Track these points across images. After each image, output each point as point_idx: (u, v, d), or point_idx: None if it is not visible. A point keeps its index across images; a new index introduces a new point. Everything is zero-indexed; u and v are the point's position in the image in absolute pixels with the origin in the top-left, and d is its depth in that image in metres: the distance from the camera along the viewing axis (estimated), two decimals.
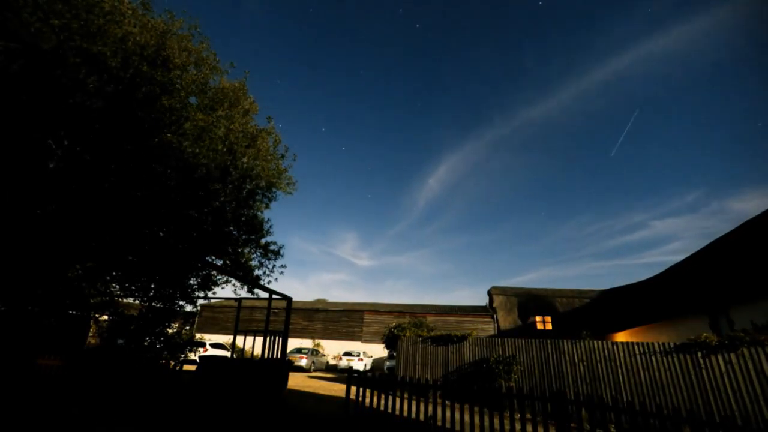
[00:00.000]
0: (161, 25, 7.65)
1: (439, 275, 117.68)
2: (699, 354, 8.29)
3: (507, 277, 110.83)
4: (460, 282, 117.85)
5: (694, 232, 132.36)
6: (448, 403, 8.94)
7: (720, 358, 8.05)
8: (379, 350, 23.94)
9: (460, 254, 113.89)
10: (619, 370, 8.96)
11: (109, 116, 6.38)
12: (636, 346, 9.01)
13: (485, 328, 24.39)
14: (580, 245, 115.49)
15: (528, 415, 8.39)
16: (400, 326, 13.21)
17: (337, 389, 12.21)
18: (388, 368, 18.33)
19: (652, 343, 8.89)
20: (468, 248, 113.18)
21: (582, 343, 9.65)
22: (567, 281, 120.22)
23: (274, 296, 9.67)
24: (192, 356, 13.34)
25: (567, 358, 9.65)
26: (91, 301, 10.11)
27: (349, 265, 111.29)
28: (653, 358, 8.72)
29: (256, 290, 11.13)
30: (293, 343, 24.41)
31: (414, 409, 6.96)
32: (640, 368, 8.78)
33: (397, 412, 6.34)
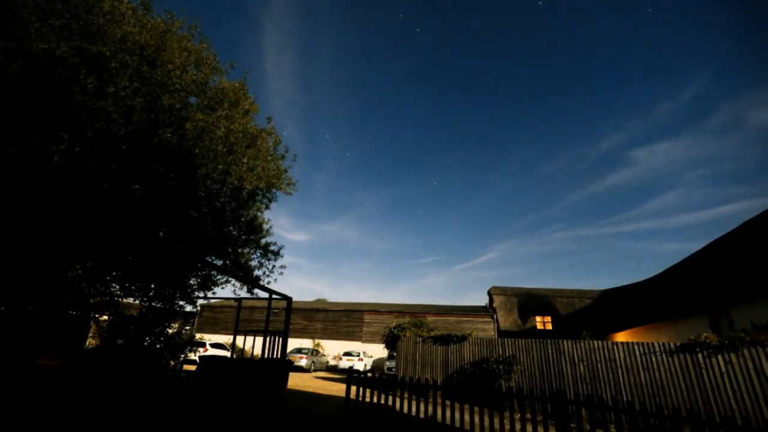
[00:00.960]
0: (161, 25, 7.64)
1: (400, 253, 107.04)
2: (699, 354, 8.29)
3: (471, 256, 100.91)
4: (429, 263, 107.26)
5: (697, 174, 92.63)
6: (448, 403, 8.94)
7: (720, 358, 8.05)
8: (379, 350, 23.93)
9: (403, 220, 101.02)
10: (619, 370, 8.96)
11: (109, 117, 6.38)
12: (636, 346, 9.00)
13: (485, 328, 24.38)
14: (540, 201, 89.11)
15: (528, 415, 8.39)
16: (400, 326, 13.21)
17: (337, 389, 12.21)
18: (388, 368, 18.32)
19: (653, 343, 8.88)
20: (404, 209, 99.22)
21: (582, 343, 9.65)
22: (544, 262, 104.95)
23: (274, 296, 9.66)
24: (192, 356, 13.33)
25: (567, 358, 9.64)
26: (91, 301, 10.10)
27: (280, 240, 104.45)
28: (653, 358, 8.72)
29: (256, 290, 11.13)
30: (293, 343, 24.41)
31: (414, 409, 6.96)
32: (640, 368, 8.77)
33: (397, 412, 6.34)
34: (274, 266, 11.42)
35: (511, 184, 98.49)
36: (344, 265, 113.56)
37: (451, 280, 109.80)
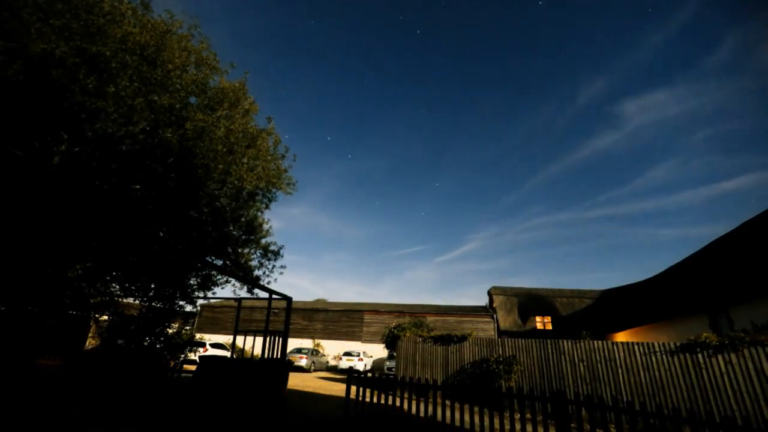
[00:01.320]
0: (161, 25, 7.64)
1: (379, 244, 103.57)
2: (699, 354, 8.29)
3: (453, 246, 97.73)
4: (411, 254, 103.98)
5: (699, 137, 71.18)
6: (448, 403, 8.93)
7: (720, 358, 8.05)
8: (379, 350, 23.92)
9: (375, 204, 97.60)
10: (619, 370, 8.96)
11: (110, 117, 6.38)
12: (636, 346, 9.00)
13: (485, 328, 24.37)
14: (515, 178, 79.04)
15: (528, 415, 8.39)
16: (400, 326, 13.21)
17: (337, 389, 12.21)
18: (388, 368, 18.32)
19: (653, 343, 8.88)
20: (373, 194, 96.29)
21: (582, 343, 9.64)
22: (532, 252, 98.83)
23: (274, 296, 9.66)
24: (192, 356, 13.33)
25: (567, 358, 9.64)
26: (91, 301, 10.10)
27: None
28: (653, 358, 8.72)
29: (256, 290, 11.13)
30: (293, 343, 24.40)
31: (414, 408, 6.96)
32: (640, 368, 8.77)
33: (398, 412, 6.34)
34: (274, 266, 11.43)
35: (479, 157, 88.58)
36: (324, 257, 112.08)
37: (439, 274, 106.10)
